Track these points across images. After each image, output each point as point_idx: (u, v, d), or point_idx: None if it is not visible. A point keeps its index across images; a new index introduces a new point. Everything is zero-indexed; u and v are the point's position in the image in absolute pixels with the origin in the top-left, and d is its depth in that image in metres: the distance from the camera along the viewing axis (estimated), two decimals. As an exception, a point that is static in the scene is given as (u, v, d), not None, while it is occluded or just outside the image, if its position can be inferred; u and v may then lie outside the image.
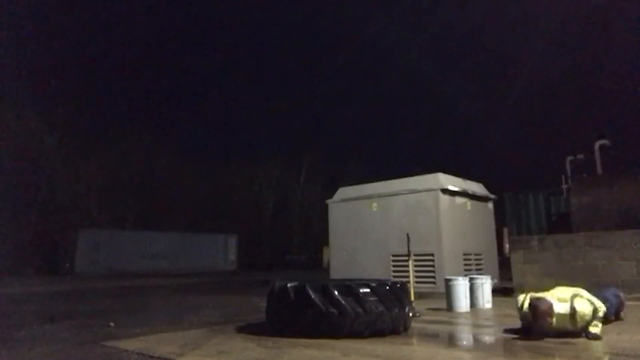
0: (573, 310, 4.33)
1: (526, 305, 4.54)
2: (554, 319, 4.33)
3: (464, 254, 10.11)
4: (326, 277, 10.61)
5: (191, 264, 29.30)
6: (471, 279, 7.00)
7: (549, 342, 4.20)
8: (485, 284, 7.08)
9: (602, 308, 4.37)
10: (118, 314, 7.21)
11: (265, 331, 4.95)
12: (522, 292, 4.93)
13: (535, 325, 4.39)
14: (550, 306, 4.36)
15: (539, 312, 4.34)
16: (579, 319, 4.34)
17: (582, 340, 4.23)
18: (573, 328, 4.40)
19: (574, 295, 4.44)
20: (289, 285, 4.77)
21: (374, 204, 10.87)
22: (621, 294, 5.47)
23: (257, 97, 76.64)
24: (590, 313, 4.34)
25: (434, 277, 9.45)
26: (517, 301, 4.73)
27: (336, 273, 11.19)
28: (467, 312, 6.55)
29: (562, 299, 4.48)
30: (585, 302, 4.38)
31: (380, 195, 10.80)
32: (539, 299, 4.44)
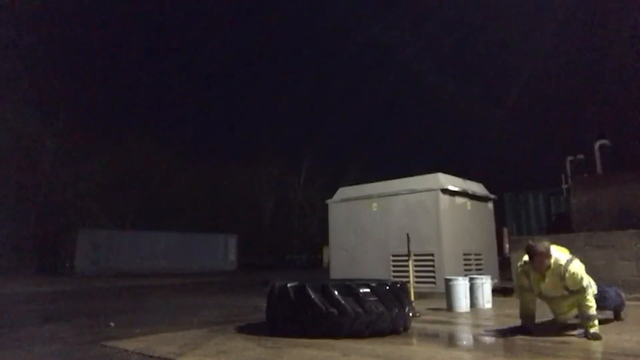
0: (567, 264, 4.31)
1: (526, 258, 4.54)
2: (552, 261, 4.33)
3: (464, 254, 10.10)
4: (326, 277, 10.61)
5: (191, 264, 29.27)
6: (471, 279, 7.00)
7: (549, 342, 4.20)
8: (485, 284, 7.08)
9: (593, 287, 4.35)
10: (118, 314, 7.21)
11: (265, 331, 4.95)
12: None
13: (532, 266, 4.41)
14: (548, 248, 4.35)
15: (537, 251, 4.33)
16: (568, 277, 4.30)
17: (582, 340, 4.23)
18: (562, 292, 4.39)
19: (574, 257, 4.44)
20: (289, 285, 4.77)
21: (374, 204, 10.86)
22: (622, 294, 5.47)
23: (257, 96, 76.63)
24: (581, 282, 4.30)
25: (434, 277, 9.44)
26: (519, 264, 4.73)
27: (336, 273, 11.18)
28: (467, 312, 6.55)
29: (561, 250, 4.50)
30: (582, 268, 4.37)
31: (380, 195, 10.80)
32: (535, 241, 4.44)
